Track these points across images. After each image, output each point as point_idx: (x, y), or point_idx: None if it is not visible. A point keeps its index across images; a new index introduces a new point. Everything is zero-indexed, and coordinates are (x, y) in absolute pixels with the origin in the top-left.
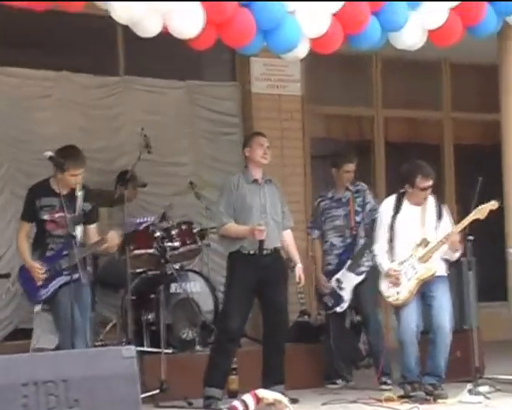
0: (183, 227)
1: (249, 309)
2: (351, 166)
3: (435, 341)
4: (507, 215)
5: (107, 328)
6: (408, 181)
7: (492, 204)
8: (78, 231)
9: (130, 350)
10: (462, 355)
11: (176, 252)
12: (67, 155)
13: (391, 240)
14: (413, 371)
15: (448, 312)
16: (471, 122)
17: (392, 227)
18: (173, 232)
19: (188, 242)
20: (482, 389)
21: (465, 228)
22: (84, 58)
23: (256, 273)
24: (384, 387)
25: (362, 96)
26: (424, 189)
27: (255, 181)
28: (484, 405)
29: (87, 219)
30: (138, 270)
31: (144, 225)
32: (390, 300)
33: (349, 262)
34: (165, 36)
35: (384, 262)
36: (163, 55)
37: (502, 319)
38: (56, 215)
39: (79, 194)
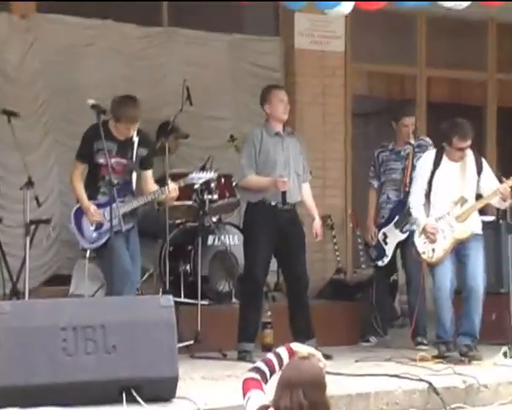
0: (223, 180)
1: (270, 259)
2: (408, 120)
3: (469, 300)
4: None
5: (145, 277)
6: (446, 139)
7: None
8: (133, 178)
9: (168, 299)
10: (498, 318)
11: (214, 204)
12: (123, 107)
13: (428, 195)
14: (448, 330)
15: (481, 271)
16: None
17: (430, 182)
18: (212, 185)
19: (226, 195)
20: None
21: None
22: (128, 7)
23: (276, 226)
24: (420, 347)
25: (405, 55)
26: (461, 149)
27: (277, 134)
28: None
29: (143, 164)
30: (177, 221)
31: (203, 180)
32: (424, 256)
33: (397, 218)
34: None
35: (421, 217)
36: (206, 8)
37: None
38: (113, 160)
39: (136, 140)
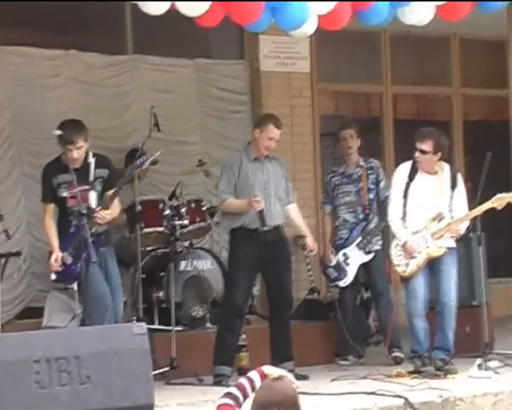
0: (193, 205)
1: (252, 285)
2: (346, 132)
3: (442, 315)
4: None
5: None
6: (413, 146)
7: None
8: (93, 199)
9: (141, 327)
10: (472, 331)
11: (185, 230)
12: (70, 128)
13: (404, 207)
14: (422, 343)
15: (454, 285)
16: (480, 98)
17: (406, 194)
18: (183, 210)
19: (197, 219)
20: (492, 364)
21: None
22: (93, 37)
23: (258, 250)
24: (394, 355)
25: (370, 73)
26: (416, 149)
27: (257, 159)
28: (493, 380)
29: (106, 185)
30: (148, 248)
31: (147, 162)
32: (398, 269)
33: (359, 239)
34: (172, 14)
35: (400, 232)
36: (171, 34)
37: (511, 294)
38: (75, 190)
39: (92, 160)
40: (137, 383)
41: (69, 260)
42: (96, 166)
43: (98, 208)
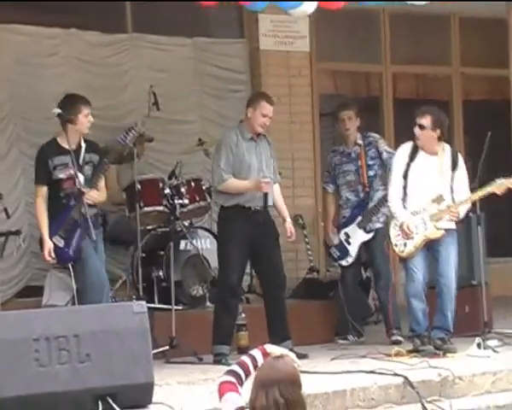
0: (193, 184)
1: (246, 263)
2: (344, 114)
3: (441, 295)
4: None
5: (117, 285)
6: (413, 123)
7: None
8: (81, 181)
9: (142, 306)
10: (471, 310)
11: (185, 209)
12: (75, 99)
13: (404, 187)
14: (421, 323)
15: (453, 267)
16: (480, 77)
17: (406, 175)
18: (182, 189)
19: (197, 199)
20: (490, 343)
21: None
22: (92, 15)
23: (250, 229)
24: (394, 338)
25: (370, 52)
26: (420, 126)
27: (252, 138)
28: (492, 358)
29: (96, 170)
30: (148, 227)
31: (128, 140)
32: (396, 249)
33: (359, 218)
34: None
35: (399, 212)
36: (170, 13)
37: (510, 274)
38: (72, 171)
39: (83, 145)
40: (137, 362)
41: (61, 244)
42: (88, 151)
43: (87, 190)
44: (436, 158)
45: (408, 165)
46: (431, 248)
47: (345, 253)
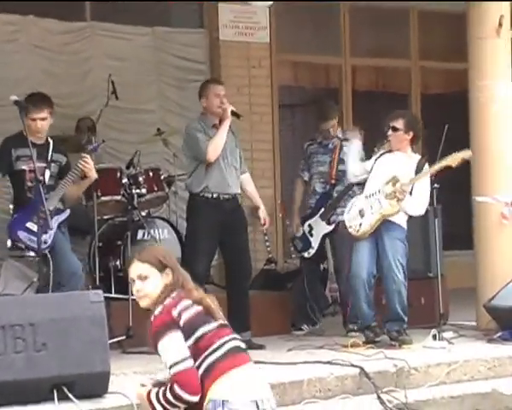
0: (151, 174)
1: (214, 254)
2: (327, 125)
3: (388, 289)
4: (473, 164)
5: None
6: (385, 123)
7: (465, 153)
8: (47, 176)
9: (98, 295)
10: (427, 302)
11: (143, 199)
12: (29, 99)
13: (368, 179)
14: (366, 315)
15: (398, 261)
16: (439, 71)
17: (372, 168)
18: (140, 179)
19: (155, 188)
20: (446, 334)
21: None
22: (51, 3)
23: (218, 217)
24: (351, 334)
25: (330, 45)
26: (393, 128)
27: (215, 126)
28: (447, 350)
29: (61, 171)
30: (105, 216)
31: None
32: (351, 230)
33: (322, 210)
34: None
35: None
36: (130, 1)
37: (466, 267)
38: (33, 165)
39: (50, 142)
40: (93, 351)
41: (35, 228)
42: (55, 151)
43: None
44: (404, 155)
45: (376, 160)
46: (376, 241)
47: (307, 244)
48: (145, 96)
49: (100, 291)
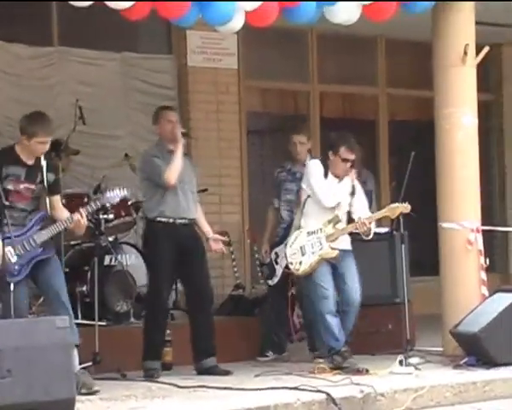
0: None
1: (174, 279)
2: (295, 138)
3: (348, 314)
4: (439, 190)
5: (40, 301)
6: (332, 149)
7: (405, 206)
8: (47, 203)
9: (64, 320)
10: (394, 328)
11: (110, 224)
12: (36, 121)
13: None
14: (339, 339)
15: (358, 285)
16: (406, 98)
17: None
18: (107, 204)
19: (122, 214)
20: (413, 360)
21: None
22: (18, 28)
23: (176, 241)
24: (318, 360)
25: (298, 71)
26: (345, 160)
27: (170, 152)
28: (414, 375)
29: (51, 189)
30: (72, 242)
31: (117, 199)
32: (291, 267)
33: (288, 238)
34: (99, 6)
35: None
36: (98, 27)
37: (433, 293)
38: (21, 186)
39: (44, 163)
40: (59, 378)
41: (14, 259)
42: (48, 170)
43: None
44: (337, 181)
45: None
46: (334, 272)
47: (272, 272)
48: (113, 122)
49: (66, 317)
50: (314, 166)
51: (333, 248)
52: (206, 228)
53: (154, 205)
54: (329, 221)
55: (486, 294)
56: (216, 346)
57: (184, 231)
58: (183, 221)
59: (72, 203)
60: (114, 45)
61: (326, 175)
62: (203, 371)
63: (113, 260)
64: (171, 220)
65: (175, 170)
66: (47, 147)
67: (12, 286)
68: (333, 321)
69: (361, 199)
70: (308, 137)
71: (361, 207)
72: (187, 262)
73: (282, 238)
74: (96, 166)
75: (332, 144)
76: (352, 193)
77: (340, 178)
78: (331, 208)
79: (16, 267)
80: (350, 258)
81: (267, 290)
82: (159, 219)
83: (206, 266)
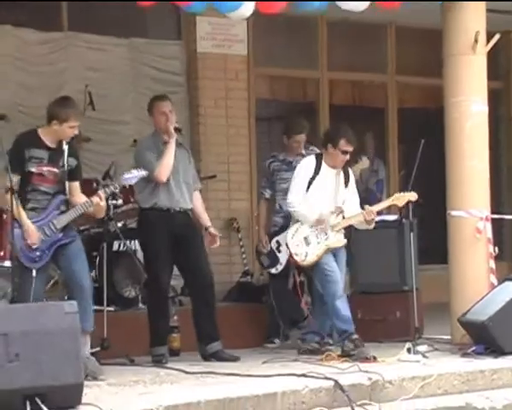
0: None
1: (172, 264)
2: (299, 138)
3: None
4: (448, 178)
5: (49, 285)
6: (332, 141)
7: (412, 195)
8: (66, 187)
9: (72, 305)
10: (402, 316)
11: (119, 210)
12: (68, 105)
13: (307, 198)
14: (351, 322)
15: (343, 279)
16: (415, 86)
17: (309, 187)
18: (116, 190)
19: (131, 200)
20: (421, 348)
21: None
22: (28, 12)
23: (171, 230)
24: (327, 347)
25: (307, 58)
26: (345, 152)
27: (166, 143)
28: (422, 363)
29: (72, 175)
30: (81, 227)
31: (135, 180)
32: (296, 258)
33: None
34: None
35: (309, 213)
36: (107, 12)
37: (441, 281)
38: (45, 168)
39: (65, 148)
40: (67, 363)
41: (39, 243)
42: (69, 155)
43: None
44: (335, 171)
45: (312, 178)
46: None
47: (275, 261)
48: (122, 108)
49: (74, 302)
50: (304, 167)
51: (338, 239)
52: (205, 218)
53: (147, 196)
54: (332, 212)
55: (495, 282)
56: (219, 331)
57: (179, 218)
58: (177, 209)
59: (81, 189)
60: (123, 31)
61: (319, 168)
62: (208, 357)
63: (122, 245)
64: (165, 208)
65: (166, 167)
66: (76, 131)
67: (34, 272)
68: (343, 304)
69: (353, 188)
70: (305, 133)
71: (352, 196)
72: (183, 249)
73: (282, 227)
74: (105, 152)
75: (332, 137)
76: (346, 182)
77: (335, 167)
78: (333, 199)
79: (38, 253)
80: (342, 250)
81: (268, 279)
82: (153, 208)
83: (203, 251)
